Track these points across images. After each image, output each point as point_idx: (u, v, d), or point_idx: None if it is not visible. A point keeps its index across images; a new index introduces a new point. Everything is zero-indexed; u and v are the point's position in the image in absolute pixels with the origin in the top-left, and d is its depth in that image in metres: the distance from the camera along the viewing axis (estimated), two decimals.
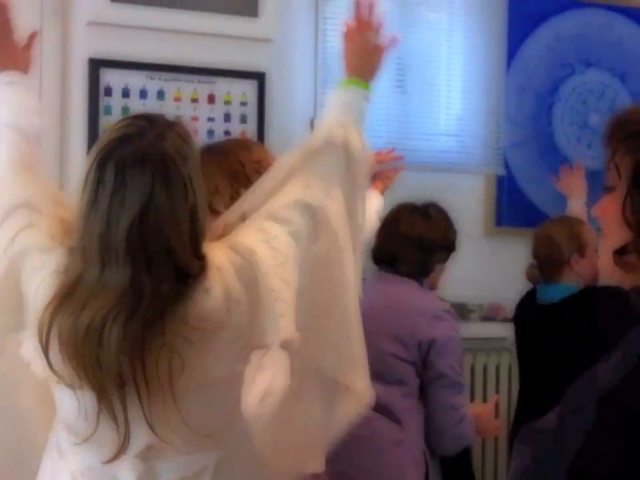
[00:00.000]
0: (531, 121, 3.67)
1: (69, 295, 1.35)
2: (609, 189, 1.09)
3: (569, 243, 2.75)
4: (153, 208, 1.34)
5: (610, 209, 1.08)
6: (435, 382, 2.28)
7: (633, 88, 3.81)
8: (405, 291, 2.38)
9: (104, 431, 1.38)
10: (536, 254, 2.84)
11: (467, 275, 3.43)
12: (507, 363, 3.42)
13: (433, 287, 2.47)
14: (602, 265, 1.10)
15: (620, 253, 1.05)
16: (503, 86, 3.59)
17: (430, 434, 2.29)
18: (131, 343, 1.32)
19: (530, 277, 2.88)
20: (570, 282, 2.75)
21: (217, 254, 1.43)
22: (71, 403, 1.41)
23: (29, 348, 1.42)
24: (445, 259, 2.47)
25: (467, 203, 3.52)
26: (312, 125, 3.29)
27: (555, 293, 2.78)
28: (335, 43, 3.34)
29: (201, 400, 1.41)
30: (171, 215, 1.35)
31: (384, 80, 3.41)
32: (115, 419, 1.36)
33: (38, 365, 1.40)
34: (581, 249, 2.74)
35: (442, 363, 2.27)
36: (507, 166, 3.60)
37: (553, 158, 3.69)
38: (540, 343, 2.78)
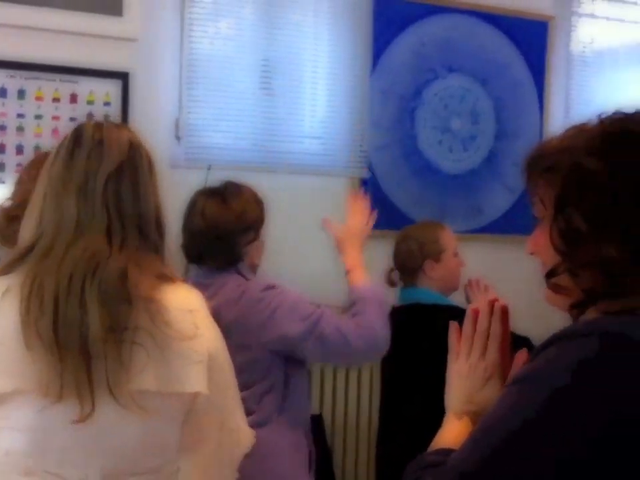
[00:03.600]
0: (395, 124, 3.75)
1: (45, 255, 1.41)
2: (538, 221, 1.15)
3: (425, 248, 2.84)
4: (129, 167, 1.45)
5: (540, 240, 1.13)
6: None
7: (493, 93, 3.94)
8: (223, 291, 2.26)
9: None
10: (394, 257, 2.93)
11: (328, 276, 3.48)
12: (369, 365, 3.46)
13: (253, 267, 2.37)
14: (544, 294, 1.14)
15: (550, 275, 1.10)
16: (368, 89, 3.65)
17: None
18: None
19: (389, 280, 2.97)
20: (425, 286, 2.85)
21: None
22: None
23: None
24: (253, 238, 2.33)
25: (332, 205, 3.56)
26: (177, 125, 3.28)
27: (410, 296, 2.88)
28: (200, 43, 3.33)
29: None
30: (144, 182, 1.48)
31: (249, 82, 3.43)
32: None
33: None
34: (436, 254, 2.84)
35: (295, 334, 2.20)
36: (370, 169, 3.67)
37: (416, 161, 3.79)
38: (391, 344, 2.87)
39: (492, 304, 1.21)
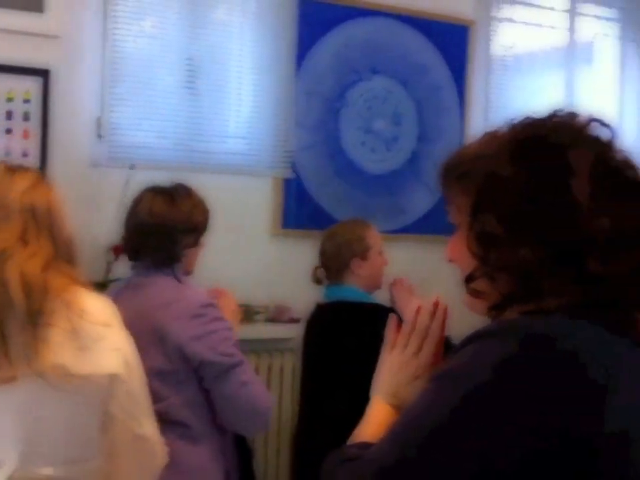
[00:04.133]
0: (319, 124, 3.77)
1: None
2: (454, 228, 1.16)
3: (352, 246, 2.87)
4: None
5: (458, 246, 1.14)
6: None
7: (415, 95, 4.00)
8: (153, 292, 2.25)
9: None
10: (321, 255, 2.95)
11: (253, 276, 3.50)
12: (292, 364, 3.48)
13: (187, 273, 2.36)
14: (464, 300, 1.15)
15: (468, 280, 1.12)
16: (293, 90, 3.66)
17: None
18: None
19: (315, 277, 2.99)
20: (351, 284, 2.88)
21: None
22: None
23: None
24: (193, 243, 2.33)
25: (255, 205, 3.59)
26: (99, 123, 3.24)
27: (335, 293, 2.90)
28: (123, 41, 3.30)
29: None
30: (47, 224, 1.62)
31: (173, 80, 3.41)
32: None
33: None
34: (363, 252, 2.87)
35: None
36: (295, 169, 3.69)
37: (340, 161, 3.82)
38: (315, 340, 2.90)
39: (436, 305, 1.23)
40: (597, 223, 1.02)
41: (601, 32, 4.61)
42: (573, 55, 4.41)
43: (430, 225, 3.93)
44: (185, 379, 2.18)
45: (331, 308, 2.88)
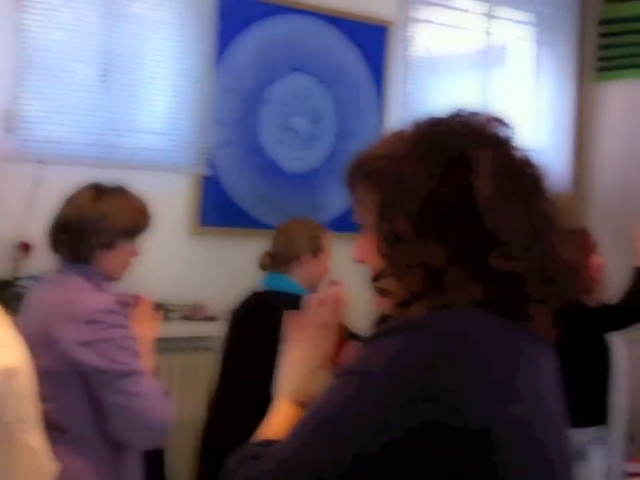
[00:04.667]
0: (238, 122, 3.74)
1: None
2: (361, 227, 1.17)
3: (307, 241, 2.88)
4: None
5: (366, 246, 1.15)
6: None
7: (335, 93, 4.00)
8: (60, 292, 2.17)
9: None
10: (275, 241, 2.94)
11: (170, 274, 3.45)
12: (207, 362, 3.41)
13: (109, 278, 2.25)
14: (373, 299, 1.15)
15: (376, 279, 1.13)
16: (211, 86, 3.62)
17: None
18: None
19: (263, 263, 2.96)
20: (295, 277, 2.87)
21: None
22: None
23: None
24: (109, 245, 2.21)
25: (172, 202, 3.53)
26: (7, 116, 3.14)
27: (276, 282, 2.88)
28: (35, 32, 3.20)
29: None
30: None
31: (88, 74, 3.33)
32: None
33: None
34: (316, 250, 2.89)
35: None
36: (213, 166, 3.65)
37: (258, 159, 3.80)
38: (240, 328, 2.87)
39: (330, 295, 1.24)
40: (498, 221, 1.04)
41: (517, 35, 4.70)
42: (489, 57, 4.49)
43: (348, 223, 3.88)
44: (67, 383, 2.09)
45: (268, 296, 2.86)
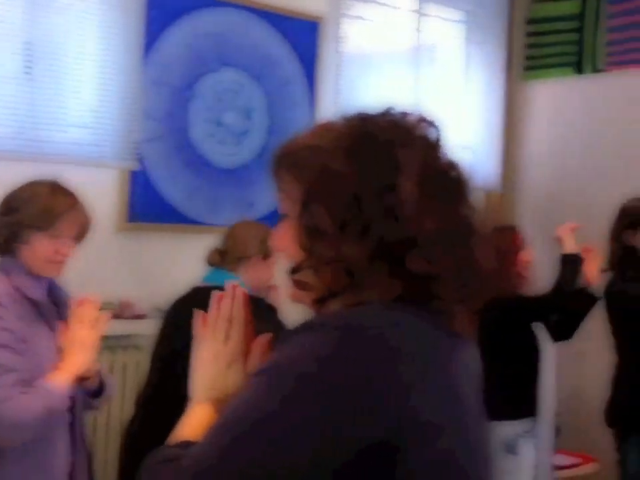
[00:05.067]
0: (167, 116, 3.68)
1: None
2: (283, 217, 1.15)
3: (259, 243, 2.84)
4: None
5: (287, 235, 1.14)
6: None
7: (266, 88, 3.97)
8: None
9: None
10: (227, 238, 2.88)
11: (98, 271, 3.37)
12: (135, 360, 3.39)
13: (31, 272, 2.16)
14: (288, 291, 1.14)
15: (294, 271, 1.12)
16: (140, 79, 3.55)
17: None
18: None
19: (210, 260, 2.91)
20: (241, 276, 2.83)
21: None
22: None
23: None
24: (22, 239, 2.14)
25: (100, 197, 3.43)
26: None
27: (220, 277, 2.83)
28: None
29: None
30: None
31: (10, 65, 3.23)
32: None
33: None
34: (267, 253, 2.84)
35: None
36: (141, 161, 3.58)
37: (188, 154, 3.74)
38: (175, 323, 2.82)
39: (234, 289, 1.23)
40: (420, 222, 1.05)
41: (447, 33, 4.74)
42: (419, 54, 4.51)
43: (278, 219, 3.90)
44: None
45: (209, 290, 2.80)
